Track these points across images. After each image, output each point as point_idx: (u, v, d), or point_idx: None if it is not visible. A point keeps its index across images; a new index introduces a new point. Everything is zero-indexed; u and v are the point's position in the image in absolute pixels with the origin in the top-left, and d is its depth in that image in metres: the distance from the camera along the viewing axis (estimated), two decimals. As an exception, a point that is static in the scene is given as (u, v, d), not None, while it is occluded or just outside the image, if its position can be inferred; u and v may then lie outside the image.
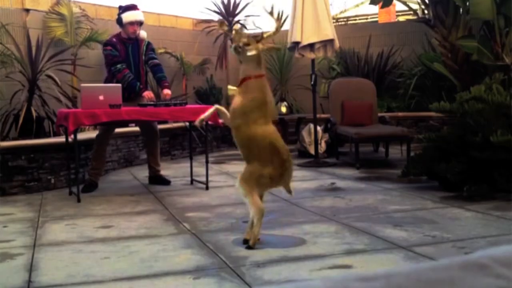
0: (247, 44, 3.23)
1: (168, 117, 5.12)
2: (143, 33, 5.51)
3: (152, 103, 5.20)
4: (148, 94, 5.37)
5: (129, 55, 5.40)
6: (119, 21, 5.41)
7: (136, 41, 5.44)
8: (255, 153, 3.21)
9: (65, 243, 3.47)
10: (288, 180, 3.30)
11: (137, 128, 6.28)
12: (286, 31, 6.89)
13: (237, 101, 3.24)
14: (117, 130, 5.78)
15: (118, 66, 5.30)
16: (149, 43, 5.55)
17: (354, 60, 9.01)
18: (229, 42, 9.38)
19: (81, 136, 5.53)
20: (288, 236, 3.47)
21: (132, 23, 5.34)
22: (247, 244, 3.20)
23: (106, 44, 5.46)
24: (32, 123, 5.88)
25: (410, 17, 9.44)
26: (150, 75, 5.77)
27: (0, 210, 4.50)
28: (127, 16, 5.36)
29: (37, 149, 5.32)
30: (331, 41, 6.54)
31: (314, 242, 3.33)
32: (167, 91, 5.41)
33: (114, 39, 5.43)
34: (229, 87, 3.38)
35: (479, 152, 4.43)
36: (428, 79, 8.37)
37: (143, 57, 5.47)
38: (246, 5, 9.49)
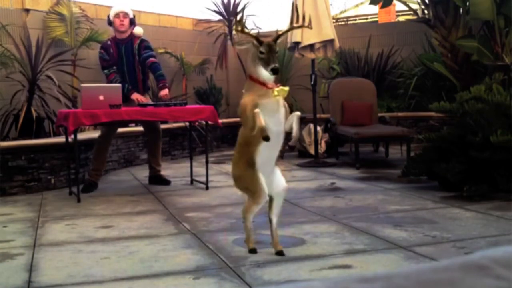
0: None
1: (168, 117, 5.11)
2: (138, 30, 5.45)
3: (152, 103, 5.20)
4: (135, 96, 5.34)
5: (122, 56, 5.40)
6: (108, 21, 5.46)
7: (130, 40, 5.43)
8: None
9: (65, 243, 3.47)
10: None
11: (137, 128, 6.28)
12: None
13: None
14: (117, 130, 5.77)
15: (106, 71, 5.42)
16: (142, 41, 5.44)
17: (354, 60, 9.01)
18: (229, 42, 9.40)
19: (81, 136, 5.53)
20: (288, 236, 3.46)
21: (117, 15, 5.36)
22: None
23: (100, 47, 5.57)
24: (32, 123, 5.89)
25: (410, 17, 9.43)
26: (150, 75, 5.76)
27: (0, 210, 4.51)
28: (111, 12, 5.43)
29: (37, 149, 5.32)
30: (331, 41, 6.54)
31: (314, 242, 3.33)
32: (164, 92, 5.32)
33: (108, 42, 5.49)
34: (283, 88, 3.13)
35: (479, 152, 4.43)
36: (428, 79, 8.37)
37: (137, 57, 5.40)
38: (246, 5, 9.48)
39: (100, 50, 5.51)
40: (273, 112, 2.96)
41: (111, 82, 5.32)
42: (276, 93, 2.95)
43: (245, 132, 3.04)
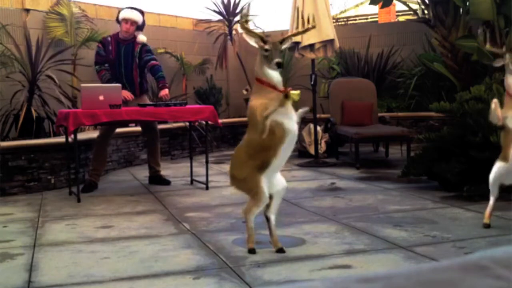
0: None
1: (167, 117, 5.11)
2: (142, 37, 5.44)
3: (149, 103, 5.21)
4: (123, 94, 5.32)
5: (120, 55, 5.39)
6: (117, 18, 5.46)
7: (132, 43, 5.42)
8: None
9: (65, 243, 3.47)
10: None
11: (137, 128, 6.28)
12: (287, 31, 6.89)
13: None
14: (117, 130, 5.78)
15: (97, 67, 5.44)
16: (144, 45, 5.46)
17: (354, 60, 9.01)
18: (229, 42, 9.39)
19: (81, 136, 5.53)
20: (288, 236, 3.46)
21: (126, 20, 5.35)
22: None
23: (100, 41, 5.61)
24: (32, 123, 5.88)
25: (410, 17, 9.43)
26: (151, 77, 5.74)
27: (0, 210, 4.51)
28: (122, 13, 5.43)
29: (37, 149, 5.32)
30: (331, 41, 6.54)
31: (314, 242, 3.33)
32: (163, 92, 5.33)
33: (109, 38, 5.49)
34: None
35: (479, 152, 4.43)
36: (428, 79, 8.37)
37: (137, 60, 5.40)
38: (246, 4, 9.48)
39: (98, 44, 5.54)
40: (287, 113, 3.00)
41: (101, 78, 5.37)
42: (294, 97, 3.01)
43: (258, 137, 3.01)
